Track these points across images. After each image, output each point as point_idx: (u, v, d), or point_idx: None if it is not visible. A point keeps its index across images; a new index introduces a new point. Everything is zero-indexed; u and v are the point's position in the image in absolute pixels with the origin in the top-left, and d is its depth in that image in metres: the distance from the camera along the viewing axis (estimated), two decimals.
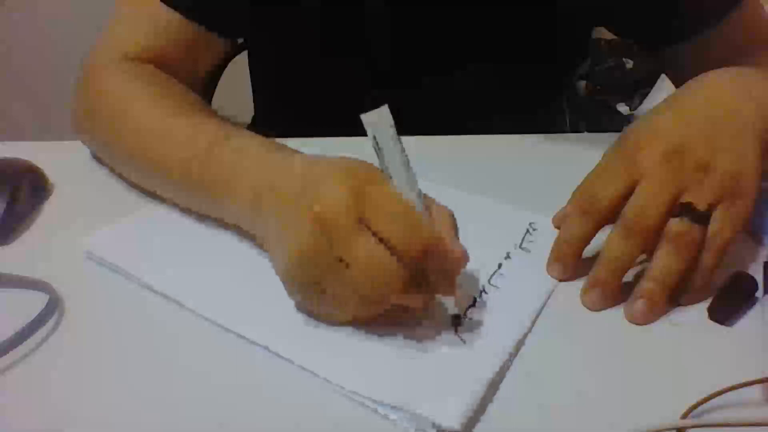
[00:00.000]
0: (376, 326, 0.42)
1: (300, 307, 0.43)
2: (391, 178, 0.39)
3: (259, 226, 0.44)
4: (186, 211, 0.52)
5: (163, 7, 0.59)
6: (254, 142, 0.47)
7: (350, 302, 0.40)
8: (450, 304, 0.42)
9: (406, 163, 0.39)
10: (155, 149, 0.51)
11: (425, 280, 0.40)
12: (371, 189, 0.38)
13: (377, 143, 0.39)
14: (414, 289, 0.39)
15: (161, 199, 0.53)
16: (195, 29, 0.60)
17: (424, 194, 0.41)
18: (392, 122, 0.38)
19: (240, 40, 0.82)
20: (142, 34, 0.60)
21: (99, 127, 0.57)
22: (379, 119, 0.38)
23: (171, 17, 0.59)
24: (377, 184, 0.39)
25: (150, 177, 0.53)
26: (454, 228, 0.41)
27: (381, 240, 0.37)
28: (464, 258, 0.40)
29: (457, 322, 0.42)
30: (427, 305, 0.41)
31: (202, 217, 0.51)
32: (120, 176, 0.57)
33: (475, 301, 0.44)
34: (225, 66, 0.92)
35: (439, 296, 0.42)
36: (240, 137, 0.48)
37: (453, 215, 0.42)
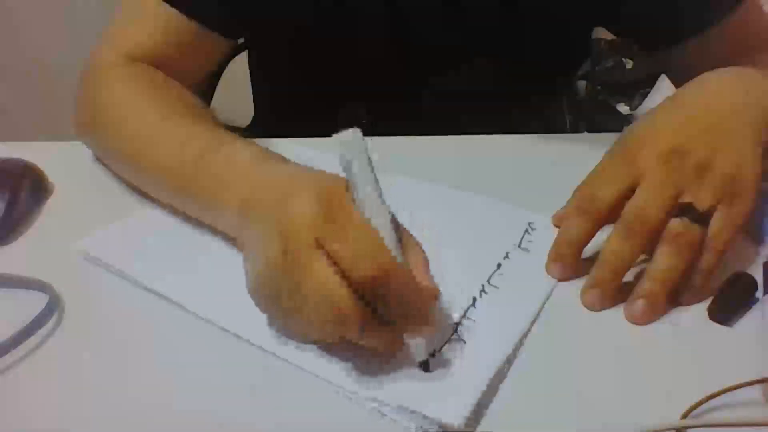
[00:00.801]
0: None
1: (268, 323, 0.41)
2: (358, 199, 0.37)
3: (245, 235, 0.43)
4: (181, 213, 0.52)
5: (164, 7, 0.59)
6: (245, 152, 0.46)
7: (308, 325, 0.38)
8: (418, 348, 0.38)
9: (377, 187, 0.38)
10: (149, 155, 0.52)
11: (391, 318, 0.37)
12: (335, 209, 0.37)
13: (349, 165, 0.37)
14: (374, 324, 0.36)
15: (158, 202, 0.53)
16: (196, 29, 0.61)
17: (403, 227, 0.40)
18: (365, 145, 0.37)
19: (240, 40, 0.82)
20: (144, 34, 0.60)
21: (99, 131, 0.58)
22: (352, 141, 0.37)
23: (172, 17, 0.60)
24: (342, 205, 0.37)
25: (145, 181, 0.54)
26: (426, 264, 0.39)
27: (336, 262, 0.35)
28: (432, 293, 0.37)
29: (425, 367, 0.38)
30: (393, 348, 0.38)
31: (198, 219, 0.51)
32: (120, 178, 0.57)
33: (474, 300, 0.44)
34: (225, 66, 0.92)
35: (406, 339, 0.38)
36: (231, 145, 0.48)
37: (426, 256, 0.39)
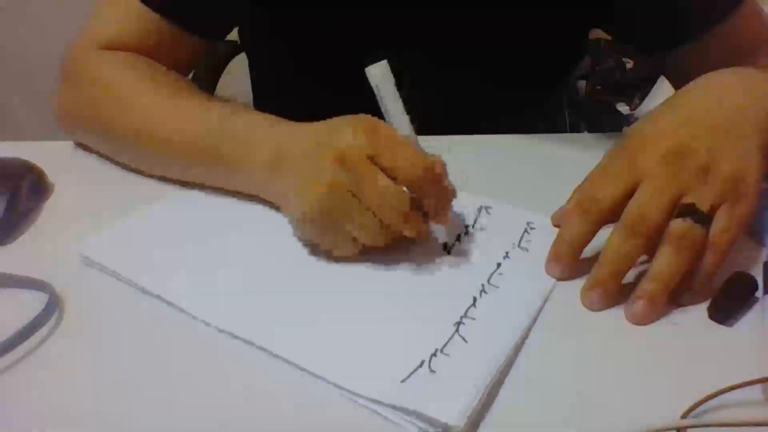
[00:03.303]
0: (374, 325, 0.42)
1: (311, 245, 0.48)
2: (389, 121, 0.46)
3: (278, 186, 0.49)
4: (179, 210, 0.52)
5: (140, 4, 0.60)
6: (260, 116, 0.52)
7: (363, 232, 0.45)
8: (441, 233, 0.48)
9: (404, 111, 0.46)
10: (165, 128, 0.54)
11: (422, 210, 0.46)
12: (378, 131, 0.45)
13: (380, 93, 0.46)
14: (417, 217, 0.45)
15: (153, 192, 0.54)
16: (169, 27, 0.61)
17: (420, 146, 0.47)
18: (391, 75, 0.46)
19: (239, 41, 0.82)
20: (120, 28, 0.61)
21: (91, 114, 0.58)
22: (380, 72, 0.45)
23: (146, 14, 0.60)
24: (382, 128, 0.45)
25: (158, 156, 0.55)
26: (446, 169, 0.47)
27: (388, 172, 0.43)
28: (454, 190, 0.48)
29: (447, 248, 0.48)
30: (425, 235, 0.47)
31: (196, 218, 0.52)
32: (116, 162, 0.58)
33: (475, 300, 0.44)
34: (224, 66, 0.92)
35: (432, 228, 0.48)
36: (245, 112, 0.53)
37: (444, 162, 0.47)
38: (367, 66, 0.46)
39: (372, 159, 0.44)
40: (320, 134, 0.46)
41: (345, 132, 0.44)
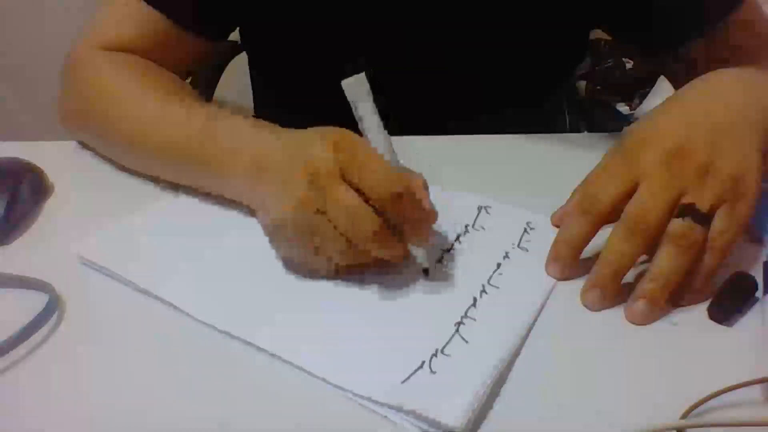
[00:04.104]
0: (374, 325, 0.42)
1: (286, 261, 0.47)
2: (365, 135, 0.44)
3: (258, 194, 0.47)
4: (177, 211, 0.53)
5: (143, 4, 0.60)
6: (247, 122, 0.51)
7: (333, 251, 0.43)
8: (421, 256, 0.45)
9: (381, 126, 0.44)
10: (153, 132, 0.54)
11: (400, 233, 0.44)
12: (351, 147, 0.43)
13: (356, 107, 0.43)
14: (389, 238, 0.43)
15: (153, 193, 0.55)
16: (172, 28, 0.62)
17: (402, 164, 0.45)
18: (369, 88, 0.43)
19: (239, 41, 0.82)
20: (121, 28, 0.61)
21: (90, 116, 0.59)
22: (357, 85, 0.43)
23: (149, 14, 0.61)
24: (356, 143, 0.43)
25: (150, 160, 0.56)
26: (426, 188, 0.45)
27: (358, 190, 0.41)
28: (434, 212, 0.45)
29: (427, 273, 0.46)
30: (401, 258, 0.45)
31: (193, 219, 0.52)
32: (113, 162, 0.58)
33: (475, 301, 0.44)
34: (224, 66, 0.92)
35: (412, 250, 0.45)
36: (230, 118, 0.52)
37: (425, 180, 0.46)
38: (356, 72, 0.44)
39: (343, 175, 0.42)
40: (294, 146, 0.45)
41: (317, 145, 0.43)
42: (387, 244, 0.43)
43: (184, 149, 0.52)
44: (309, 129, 0.46)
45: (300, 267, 0.46)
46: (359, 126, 0.44)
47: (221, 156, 0.49)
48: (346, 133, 0.44)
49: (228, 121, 0.51)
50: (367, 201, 0.41)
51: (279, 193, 0.44)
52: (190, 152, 0.51)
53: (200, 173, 0.52)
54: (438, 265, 0.47)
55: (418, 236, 0.44)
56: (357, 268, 0.45)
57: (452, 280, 0.46)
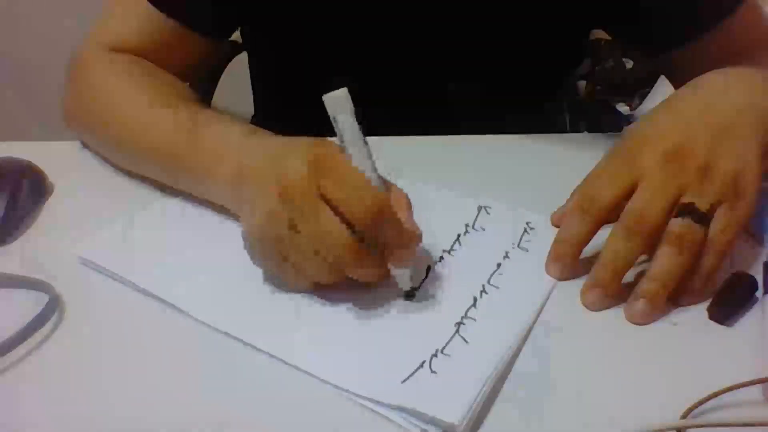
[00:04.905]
0: (374, 325, 0.42)
1: (265, 276, 0.45)
2: (347, 152, 0.41)
3: (238, 201, 0.47)
4: (177, 212, 0.53)
5: (145, 4, 0.61)
6: (235, 127, 0.50)
7: (306, 268, 0.42)
8: (402, 279, 0.43)
9: (363, 142, 0.42)
10: (142, 138, 0.54)
11: (380, 253, 0.42)
12: (329, 162, 0.41)
13: (337, 123, 0.41)
14: (368, 259, 0.41)
15: (152, 193, 0.55)
16: (174, 27, 0.62)
17: (385, 180, 0.44)
18: (351, 104, 0.41)
19: (239, 41, 0.82)
20: (126, 28, 0.62)
21: (88, 118, 0.60)
22: (338, 100, 0.41)
23: (152, 15, 0.61)
24: (335, 159, 0.41)
25: (139, 164, 0.56)
26: (409, 208, 0.43)
27: (334, 208, 0.40)
28: (417, 232, 0.42)
29: (410, 296, 0.44)
30: (382, 278, 0.43)
31: (191, 220, 0.52)
32: (110, 163, 0.59)
33: (475, 301, 0.44)
34: (225, 66, 0.92)
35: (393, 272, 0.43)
36: (219, 123, 0.51)
37: (409, 199, 0.44)
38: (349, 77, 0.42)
39: (319, 192, 0.40)
40: (273, 157, 0.43)
41: (294, 159, 0.41)
42: (362, 265, 0.41)
43: (172, 154, 0.51)
44: (294, 139, 0.45)
45: (276, 280, 0.45)
46: (339, 141, 0.42)
47: (207, 161, 0.49)
48: (329, 147, 0.42)
49: (218, 126, 0.51)
50: (344, 219, 0.39)
51: (251, 206, 0.43)
52: (177, 157, 0.51)
53: (186, 178, 0.52)
54: (437, 265, 0.47)
55: (399, 258, 0.42)
56: (334, 288, 0.43)
57: (453, 280, 0.46)
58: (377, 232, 0.40)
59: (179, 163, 0.51)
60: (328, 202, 0.40)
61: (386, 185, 0.43)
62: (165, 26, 0.61)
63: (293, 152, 0.42)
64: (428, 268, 0.47)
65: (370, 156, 0.42)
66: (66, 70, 0.62)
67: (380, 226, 0.40)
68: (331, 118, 0.41)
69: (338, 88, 0.40)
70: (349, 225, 0.40)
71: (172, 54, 0.62)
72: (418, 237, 0.43)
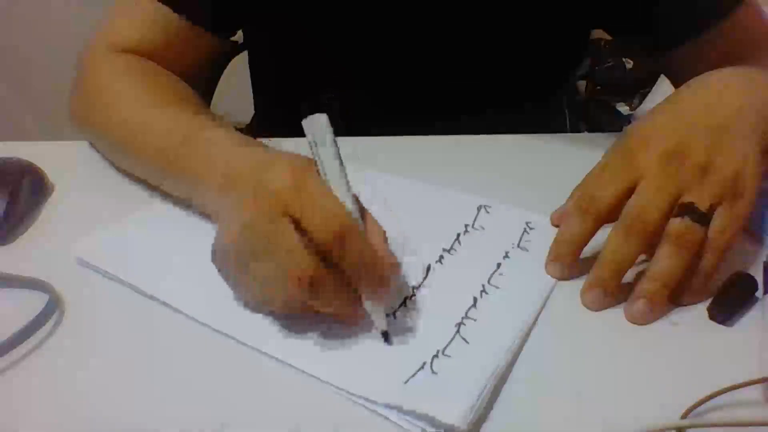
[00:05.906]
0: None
1: (235, 294, 0.43)
2: (323, 177, 0.41)
3: (223, 207, 0.45)
4: (176, 213, 0.52)
5: (154, 2, 0.61)
6: (227, 135, 0.49)
7: (270, 290, 0.40)
8: (377, 317, 0.40)
9: (341, 167, 0.41)
10: (137, 140, 0.54)
11: (349, 285, 0.39)
12: (302, 181, 0.39)
13: (316, 147, 0.41)
14: (329, 284, 0.38)
15: (152, 194, 0.54)
16: (183, 25, 0.62)
17: (362, 207, 0.42)
18: (330, 128, 0.41)
19: (240, 40, 0.82)
20: (133, 28, 0.62)
21: (90, 118, 0.60)
22: (317, 125, 0.41)
23: (161, 12, 0.61)
24: (309, 178, 0.40)
25: (134, 165, 0.56)
26: (384, 235, 0.41)
27: (299, 226, 0.38)
28: (390, 262, 0.40)
29: (386, 339, 0.40)
30: (351, 314, 0.41)
31: (193, 220, 0.51)
32: (111, 164, 0.59)
33: (475, 301, 0.44)
34: (225, 66, 0.92)
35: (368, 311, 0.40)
36: (215, 129, 0.50)
37: (384, 231, 0.42)
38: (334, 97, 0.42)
39: (287, 212, 0.38)
40: (255, 170, 0.42)
41: (273, 174, 0.40)
42: (324, 291, 0.38)
43: (165, 158, 0.51)
44: (278, 154, 0.44)
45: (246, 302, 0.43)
46: (316, 165, 0.41)
47: (194, 169, 0.48)
48: (302, 168, 0.40)
49: (212, 132, 0.50)
50: (310, 239, 0.38)
51: (230, 214, 0.42)
52: (170, 162, 0.51)
53: (176, 183, 0.51)
54: (437, 265, 0.47)
55: (372, 292, 0.39)
56: (300, 320, 0.41)
57: (453, 281, 0.46)
58: (343, 255, 0.38)
59: (171, 167, 0.51)
60: (294, 220, 0.38)
61: (362, 212, 0.42)
62: (173, 24, 0.61)
63: (273, 166, 0.41)
64: (404, 300, 0.44)
65: (346, 181, 0.41)
66: (71, 69, 0.62)
67: (346, 248, 0.38)
68: (309, 143, 0.41)
69: (318, 112, 0.41)
70: (317, 247, 0.38)
71: (179, 53, 0.62)
72: (395, 267, 0.40)
